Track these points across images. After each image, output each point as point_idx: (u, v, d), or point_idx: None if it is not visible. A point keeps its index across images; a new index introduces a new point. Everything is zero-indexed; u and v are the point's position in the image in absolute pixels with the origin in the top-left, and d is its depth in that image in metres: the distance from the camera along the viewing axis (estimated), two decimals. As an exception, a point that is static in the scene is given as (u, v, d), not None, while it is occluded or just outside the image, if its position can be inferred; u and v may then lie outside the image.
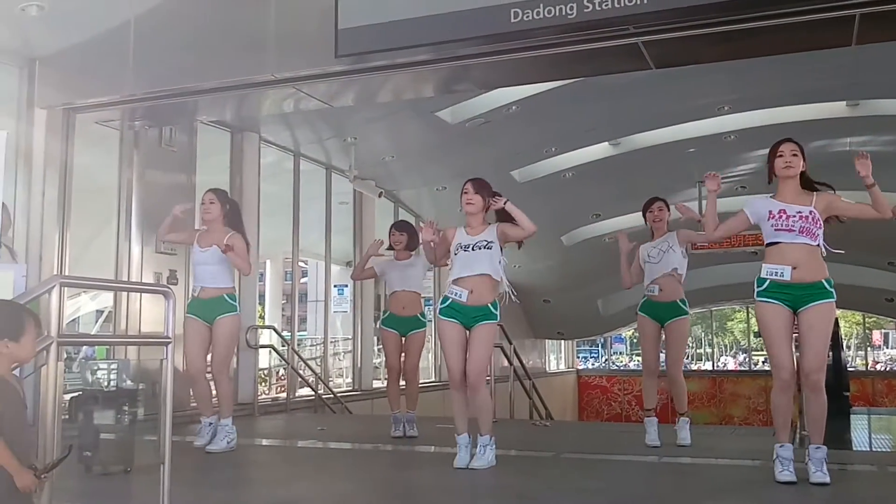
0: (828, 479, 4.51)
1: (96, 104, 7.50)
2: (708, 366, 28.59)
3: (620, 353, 30.35)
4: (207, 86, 7.01)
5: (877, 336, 29.76)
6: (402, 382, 7.06)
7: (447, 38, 5.88)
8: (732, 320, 34.24)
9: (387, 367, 7.23)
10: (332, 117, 10.02)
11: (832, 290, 4.60)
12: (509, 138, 11.93)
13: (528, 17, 5.48)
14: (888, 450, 8.89)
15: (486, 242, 5.25)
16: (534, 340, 22.26)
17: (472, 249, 5.24)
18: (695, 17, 5.37)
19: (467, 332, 5.28)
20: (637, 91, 9.98)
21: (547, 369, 23.30)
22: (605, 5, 5.29)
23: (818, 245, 4.58)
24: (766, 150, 4.91)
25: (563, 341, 25.02)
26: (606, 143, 13.06)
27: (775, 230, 4.63)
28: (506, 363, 10.07)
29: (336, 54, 6.09)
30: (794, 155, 4.69)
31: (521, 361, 10.73)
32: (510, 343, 10.12)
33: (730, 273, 18.65)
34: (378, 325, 7.34)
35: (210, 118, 8.97)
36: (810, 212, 4.59)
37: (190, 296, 6.43)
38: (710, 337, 30.61)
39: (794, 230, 4.58)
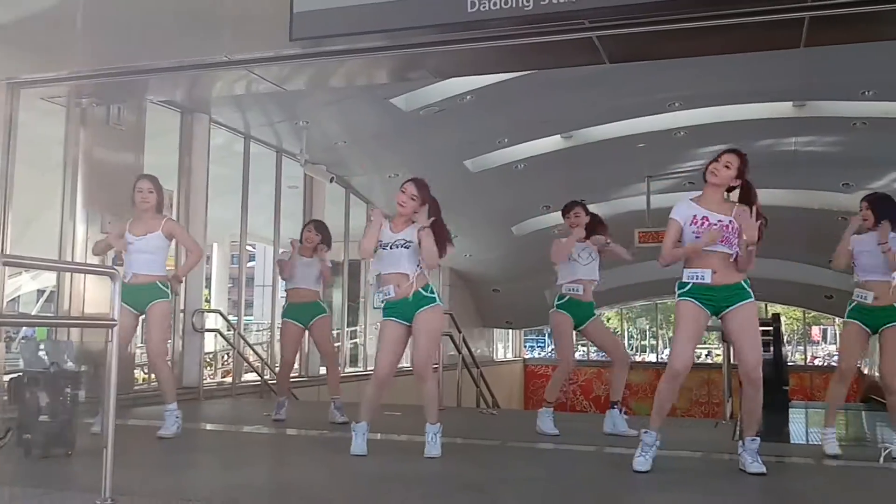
0: (764, 469, 4.66)
1: (42, 79, 7.34)
2: (652, 357, 29.04)
3: (566, 343, 30.60)
4: (158, 65, 6.89)
5: (815, 332, 30.46)
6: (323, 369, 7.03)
7: (403, 25, 5.87)
8: (676, 313, 34.76)
9: (281, 361, 7.17)
10: (284, 101, 9.94)
11: (750, 290, 4.73)
12: (463, 128, 11.95)
13: (484, 7, 5.51)
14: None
15: (404, 241, 5.23)
16: (482, 329, 22.38)
17: (391, 248, 5.24)
18: (650, 13, 5.45)
19: (411, 326, 5.25)
20: (590, 85, 10.07)
21: (494, 358, 23.47)
22: (562, -2, 5.32)
23: (734, 253, 4.66)
24: (715, 147, 5.00)
25: (510, 330, 25.19)
26: (559, 135, 13.14)
27: (696, 237, 4.72)
28: (454, 351, 10.12)
29: (290, 37, 6.05)
30: (727, 167, 4.73)
31: (469, 350, 10.80)
32: (459, 332, 10.19)
33: (675, 266, 18.90)
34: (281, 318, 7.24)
35: (160, 98, 8.82)
36: (730, 221, 4.68)
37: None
38: (654, 329, 31.09)
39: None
